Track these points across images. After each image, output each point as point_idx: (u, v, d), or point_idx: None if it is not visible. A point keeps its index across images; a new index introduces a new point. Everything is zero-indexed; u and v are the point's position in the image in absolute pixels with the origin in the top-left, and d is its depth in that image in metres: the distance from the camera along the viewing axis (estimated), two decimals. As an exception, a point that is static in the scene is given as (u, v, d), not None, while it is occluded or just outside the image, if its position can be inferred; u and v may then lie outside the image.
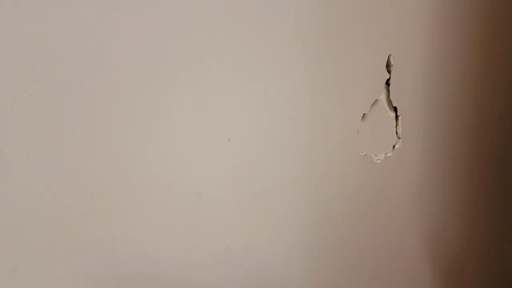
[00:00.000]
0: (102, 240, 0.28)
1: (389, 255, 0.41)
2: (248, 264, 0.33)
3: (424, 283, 0.45)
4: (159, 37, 0.27)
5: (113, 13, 0.25)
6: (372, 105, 0.36)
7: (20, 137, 0.24)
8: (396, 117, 0.38)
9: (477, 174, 0.48)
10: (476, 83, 0.43)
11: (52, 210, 0.26)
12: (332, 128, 0.34)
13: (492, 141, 0.48)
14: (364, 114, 0.35)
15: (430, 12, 0.38)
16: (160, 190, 0.29)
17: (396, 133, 0.39)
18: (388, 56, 0.36)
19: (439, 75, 0.40)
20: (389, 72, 0.37)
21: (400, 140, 0.39)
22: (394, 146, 0.39)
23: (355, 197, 0.37)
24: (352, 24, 0.33)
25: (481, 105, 0.45)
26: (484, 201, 0.49)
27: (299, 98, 0.31)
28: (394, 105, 0.38)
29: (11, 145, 0.24)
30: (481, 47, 0.43)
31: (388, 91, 0.37)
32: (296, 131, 0.32)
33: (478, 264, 0.51)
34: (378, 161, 0.37)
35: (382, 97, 0.37)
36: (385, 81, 0.36)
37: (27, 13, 0.23)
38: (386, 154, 0.38)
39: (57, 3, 0.24)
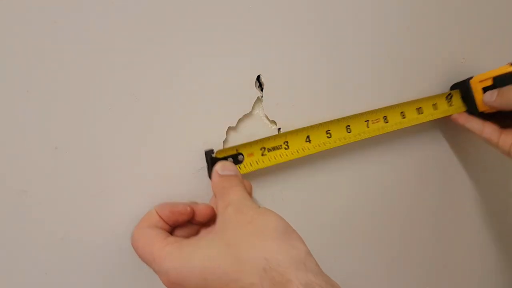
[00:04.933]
0: None
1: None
2: None
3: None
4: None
5: None
6: (245, 119, 0.40)
7: None
8: (279, 129, 0.41)
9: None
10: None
11: None
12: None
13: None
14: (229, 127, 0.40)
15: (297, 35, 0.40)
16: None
17: (281, 143, 0.42)
18: (259, 76, 0.39)
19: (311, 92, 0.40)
20: (261, 90, 0.40)
21: (283, 150, 0.42)
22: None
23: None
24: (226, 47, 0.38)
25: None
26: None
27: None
28: (271, 119, 0.41)
29: None
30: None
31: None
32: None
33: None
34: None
35: (259, 111, 0.41)
36: (255, 98, 0.40)
37: None
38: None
39: None
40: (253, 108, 0.40)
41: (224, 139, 0.39)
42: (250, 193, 0.35)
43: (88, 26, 0.32)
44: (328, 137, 0.39)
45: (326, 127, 0.39)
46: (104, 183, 0.36)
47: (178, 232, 0.33)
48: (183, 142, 0.38)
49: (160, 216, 0.31)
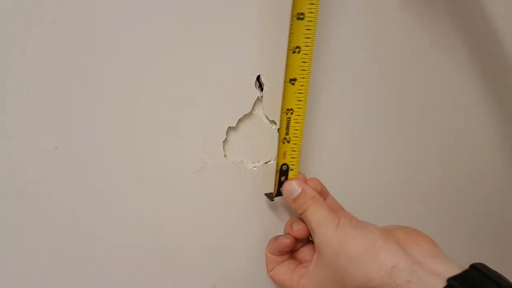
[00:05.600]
0: None
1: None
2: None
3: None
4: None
5: None
6: (245, 119, 0.40)
7: None
8: (279, 129, 0.41)
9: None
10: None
11: None
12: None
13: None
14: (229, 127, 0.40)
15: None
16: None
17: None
18: (259, 76, 0.39)
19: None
20: (261, 90, 0.40)
21: (284, 150, 0.41)
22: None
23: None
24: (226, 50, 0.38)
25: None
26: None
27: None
28: (271, 119, 0.41)
29: None
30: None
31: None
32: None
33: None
34: (255, 168, 0.42)
35: (259, 111, 0.40)
36: (255, 98, 0.40)
37: None
38: (265, 162, 0.42)
39: None
40: (253, 108, 0.40)
41: (224, 139, 0.39)
42: (322, 191, 0.38)
43: (88, 26, 0.32)
44: (298, 53, 0.35)
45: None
46: (103, 183, 0.36)
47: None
48: (183, 142, 0.38)
49: (273, 255, 0.38)
